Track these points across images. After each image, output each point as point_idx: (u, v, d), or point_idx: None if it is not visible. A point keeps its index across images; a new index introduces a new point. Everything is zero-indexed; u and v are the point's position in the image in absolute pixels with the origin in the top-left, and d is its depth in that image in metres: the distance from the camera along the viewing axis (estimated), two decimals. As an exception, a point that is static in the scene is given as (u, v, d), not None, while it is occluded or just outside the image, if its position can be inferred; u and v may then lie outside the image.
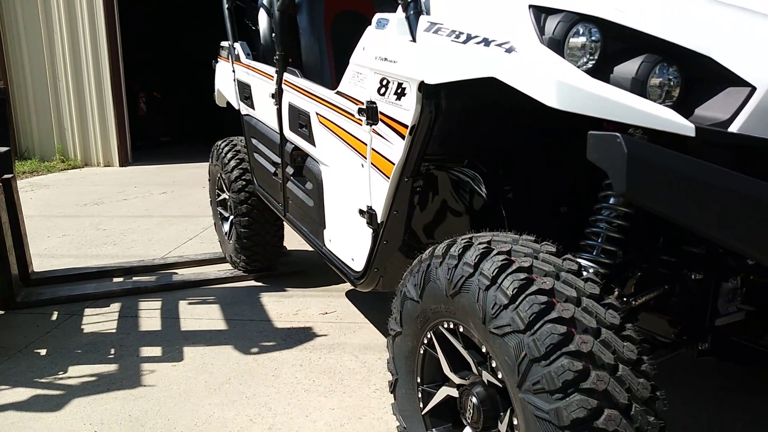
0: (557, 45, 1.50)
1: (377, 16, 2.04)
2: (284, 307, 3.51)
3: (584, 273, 1.49)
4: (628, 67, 1.51)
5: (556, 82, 1.41)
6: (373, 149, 2.08)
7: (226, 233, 4.06)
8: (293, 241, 4.44)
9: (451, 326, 1.64)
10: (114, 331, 3.18)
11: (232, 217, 3.89)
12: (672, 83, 1.53)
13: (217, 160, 3.91)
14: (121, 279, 3.91)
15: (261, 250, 3.78)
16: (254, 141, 3.38)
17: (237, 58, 3.49)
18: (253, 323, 3.29)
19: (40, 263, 4.11)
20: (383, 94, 1.97)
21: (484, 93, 1.83)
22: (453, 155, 2.00)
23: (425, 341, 1.77)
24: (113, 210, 5.95)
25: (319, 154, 2.55)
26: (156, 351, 2.96)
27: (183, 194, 6.67)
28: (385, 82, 1.95)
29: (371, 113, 2.02)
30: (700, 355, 1.87)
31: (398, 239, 2.13)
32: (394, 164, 1.96)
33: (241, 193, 3.63)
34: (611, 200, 1.64)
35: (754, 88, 1.45)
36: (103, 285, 3.77)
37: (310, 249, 4.52)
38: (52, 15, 8.14)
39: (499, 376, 1.47)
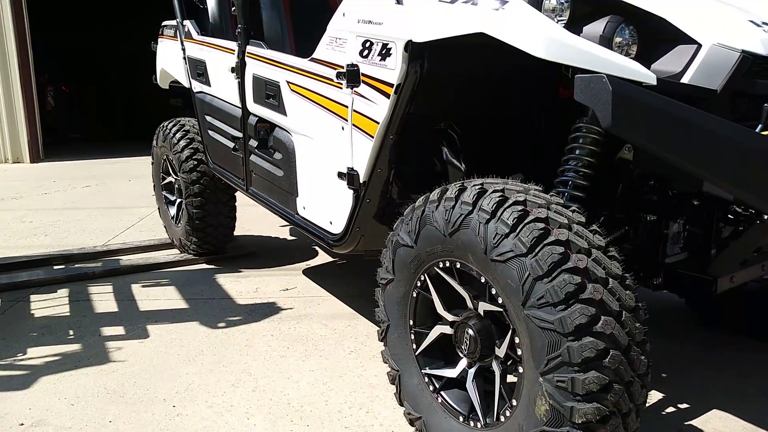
0: (536, 5, 1.70)
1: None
2: (243, 286, 3.51)
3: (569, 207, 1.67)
4: (596, 27, 1.76)
5: (544, 35, 1.60)
6: (354, 110, 2.17)
7: (173, 217, 3.98)
8: (238, 227, 4.42)
9: (447, 265, 1.77)
10: (68, 314, 3.07)
11: (180, 199, 3.83)
12: (630, 41, 1.79)
13: (163, 141, 3.83)
14: (62, 266, 3.74)
15: (213, 231, 3.75)
16: (209, 118, 3.36)
17: (188, 35, 3.45)
18: (215, 301, 3.27)
19: (-34, 255, 3.86)
20: (366, 56, 2.07)
21: (463, 56, 1.99)
22: (433, 115, 2.14)
23: (418, 284, 1.89)
24: (35, 203, 5.62)
25: (290, 122, 2.61)
26: (118, 330, 2.89)
27: (109, 187, 6.40)
28: (368, 45, 2.05)
29: (352, 76, 2.12)
30: (655, 289, 2.12)
31: (379, 197, 2.24)
32: (378, 123, 2.07)
33: (192, 173, 3.59)
34: (577, 152, 1.85)
35: (700, 45, 1.72)
36: (45, 271, 3.60)
37: (256, 233, 4.56)
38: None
39: (499, 301, 1.62)
